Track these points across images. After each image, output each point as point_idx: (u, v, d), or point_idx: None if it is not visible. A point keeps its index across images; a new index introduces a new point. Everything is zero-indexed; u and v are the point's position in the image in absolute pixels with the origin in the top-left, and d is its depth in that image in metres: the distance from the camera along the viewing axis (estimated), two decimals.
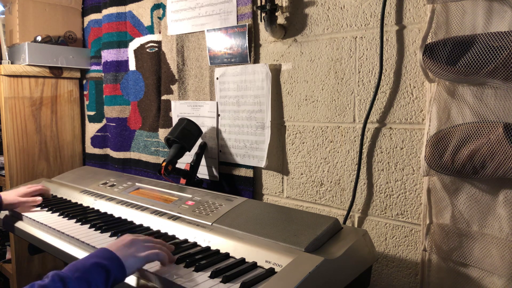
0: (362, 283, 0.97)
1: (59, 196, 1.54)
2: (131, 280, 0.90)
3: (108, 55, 1.95)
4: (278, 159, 1.41)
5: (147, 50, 1.80)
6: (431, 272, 1.07)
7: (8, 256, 2.15)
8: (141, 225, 1.18)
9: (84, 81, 2.22)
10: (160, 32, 1.75)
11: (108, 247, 0.85)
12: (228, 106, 1.50)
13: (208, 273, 0.85)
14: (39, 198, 1.43)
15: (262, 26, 1.41)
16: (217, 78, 1.52)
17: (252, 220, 1.06)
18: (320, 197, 1.31)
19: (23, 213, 1.33)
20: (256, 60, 1.43)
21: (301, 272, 0.79)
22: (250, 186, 1.48)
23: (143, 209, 1.26)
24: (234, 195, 1.26)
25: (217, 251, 0.98)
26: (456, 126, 0.97)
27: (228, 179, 1.55)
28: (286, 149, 1.39)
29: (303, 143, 1.34)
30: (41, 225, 1.22)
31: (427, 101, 1.04)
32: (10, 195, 1.38)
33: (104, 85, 1.98)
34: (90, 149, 2.19)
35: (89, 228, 1.16)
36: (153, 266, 0.90)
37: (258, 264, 0.90)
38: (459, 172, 0.95)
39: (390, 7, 1.11)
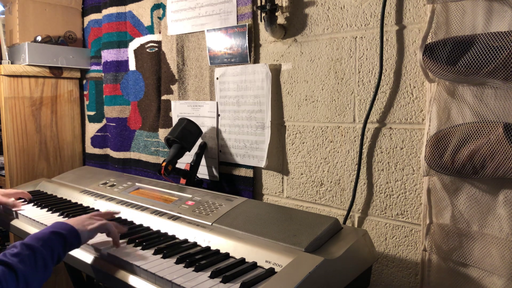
0: (362, 283, 0.97)
1: (59, 196, 1.54)
2: (134, 280, 0.90)
3: (108, 55, 1.95)
4: (278, 159, 1.41)
5: (147, 50, 1.80)
6: (431, 272, 1.07)
7: None
8: (141, 225, 1.18)
9: (84, 81, 2.22)
10: (160, 32, 1.75)
11: (64, 221, 0.99)
12: (228, 106, 1.50)
13: (208, 273, 0.85)
14: (19, 204, 1.41)
15: (262, 26, 1.41)
16: (217, 78, 1.52)
17: (252, 220, 1.06)
18: (320, 197, 1.31)
19: (21, 213, 1.33)
20: (256, 60, 1.43)
21: (301, 272, 0.79)
22: (250, 186, 1.48)
23: (143, 209, 1.26)
24: (234, 195, 1.26)
25: (217, 251, 0.97)
26: (456, 126, 0.97)
27: (228, 179, 1.55)
28: (286, 149, 1.39)
29: (303, 143, 1.34)
30: (41, 225, 1.22)
31: (427, 101, 1.04)
32: None
33: (104, 85, 1.98)
34: (90, 149, 2.19)
35: None
36: (153, 266, 0.90)
37: (258, 264, 0.90)
38: (459, 172, 0.95)
39: (390, 7, 1.11)
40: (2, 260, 0.81)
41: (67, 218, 1.25)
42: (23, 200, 1.47)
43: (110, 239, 1.04)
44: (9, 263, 0.80)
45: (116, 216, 1.27)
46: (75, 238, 0.95)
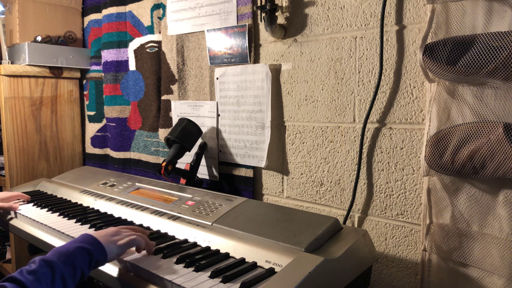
0: (362, 283, 0.97)
1: (59, 196, 1.54)
2: (132, 280, 0.90)
3: (108, 55, 1.95)
4: (278, 159, 1.41)
5: (147, 50, 1.80)
6: (431, 272, 1.07)
7: (8, 256, 2.15)
8: (141, 225, 1.18)
9: (84, 81, 2.22)
10: (160, 32, 1.75)
11: (91, 234, 0.91)
12: (228, 106, 1.50)
13: (208, 273, 0.85)
14: (16, 205, 1.40)
15: (262, 26, 1.41)
16: (217, 78, 1.52)
17: (252, 220, 1.06)
18: (320, 197, 1.31)
19: (21, 213, 1.33)
20: (256, 60, 1.43)
21: (301, 272, 0.79)
22: (250, 186, 1.48)
23: (143, 209, 1.26)
24: (234, 195, 1.26)
25: (217, 251, 0.97)
26: (456, 126, 0.97)
27: (228, 179, 1.55)
28: (286, 149, 1.39)
29: (303, 143, 1.34)
30: (41, 225, 1.22)
31: (427, 101, 1.04)
32: None
33: (104, 85, 1.98)
34: (90, 149, 2.19)
35: (89, 228, 1.17)
36: (153, 266, 0.90)
37: (258, 264, 0.90)
38: (459, 172, 0.95)
39: (390, 7, 1.11)
40: (16, 278, 0.75)
41: (67, 218, 1.25)
42: (21, 201, 1.46)
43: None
44: (22, 281, 0.74)
45: (116, 216, 1.27)
46: (102, 254, 0.87)
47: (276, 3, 1.30)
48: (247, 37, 1.41)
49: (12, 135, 1.95)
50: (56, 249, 0.84)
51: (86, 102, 2.20)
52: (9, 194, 1.45)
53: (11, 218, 1.37)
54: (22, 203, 1.45)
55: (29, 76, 1.98)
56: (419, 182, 1.10)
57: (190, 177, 1.49)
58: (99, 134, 2.13)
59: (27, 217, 1.30)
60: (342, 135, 1.24)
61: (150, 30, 1.78)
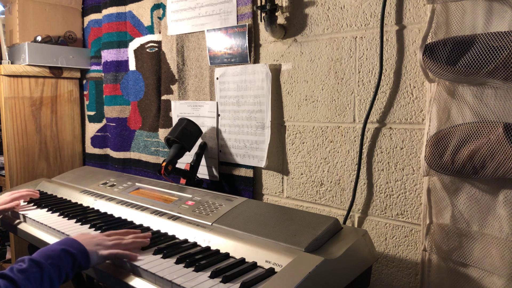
0: (362, 283, 0.97)
1: (59, 196, 1.54)
2: (133, 280, 0.90)
3: (108, 55, 1.95)
4: (278, 159, 1.41)
5: (147, 50, 1.80)
6: (431, 272, 1.07)
7: (8, 256, 2.15)
8: (141, 225, 1.18)
9: (84, 81, 2.22)
10: (160, 32, 1.75)
11: (77, 238, 0.95)
12: (228, 106, 1.50)
13: (208, 273, 0.85)
14: (17, 202, 1.40)
15: (262, 26, 1.41)
16: (217, 78, 1.52)
17: (252, 220, 1.06)
18: (320, 197, 1.31)
19: (21, 213, 1.33)
20: (256, 60, 1.43)
21: (301, 272, 0.79)
22: (250, 186, 1.48)
23: (143, 209, 1.26)
24: (234, 195, 1.26)
25: (217, 251, 0.98)
26: (456, 126, 0.97)
27: (228, 179, 1.55)
28: (286, 149, 1.39)
29: (303, 143, 1.34)
30: (41, 225, 1.22)
31: (427, 101, 1.04)
32: None
33: (104, 85, 1.98)
34: (90, 149, 2.19)
35: (89, 228, 1.17)
36: (153, 266, 0.90)
37: (258, 264, 0.90)
38: (459, 172, 0.95)
39: (390, 7, 1.11)
40: (8, 275, 0.78)
41: (67, 218, 1.25)
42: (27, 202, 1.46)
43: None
44: (14, 279, 0.78)
45: (116, 216, 1.27)
46: (85, 259, 0.91)
47: (276, 3, 1.30)
48: (247, 37, 1.41)
49: (12, 135, 1.95)
50: (42, 251, 0.88)
51: (86, 102, 2.20)
52: (15, 195, 1.43)
53: (16, 220, 1.37)
54: (30, 205, 1.43)
55: (29, 76, 1.98)
56: (419, 182, 1.10)
57: (190, 177, 1.49)
58: (99, 134, 2.13)
59: (27, 217, 1.30)
60: (342, 135, 1.24)
61: (150, 30, 1.78)
